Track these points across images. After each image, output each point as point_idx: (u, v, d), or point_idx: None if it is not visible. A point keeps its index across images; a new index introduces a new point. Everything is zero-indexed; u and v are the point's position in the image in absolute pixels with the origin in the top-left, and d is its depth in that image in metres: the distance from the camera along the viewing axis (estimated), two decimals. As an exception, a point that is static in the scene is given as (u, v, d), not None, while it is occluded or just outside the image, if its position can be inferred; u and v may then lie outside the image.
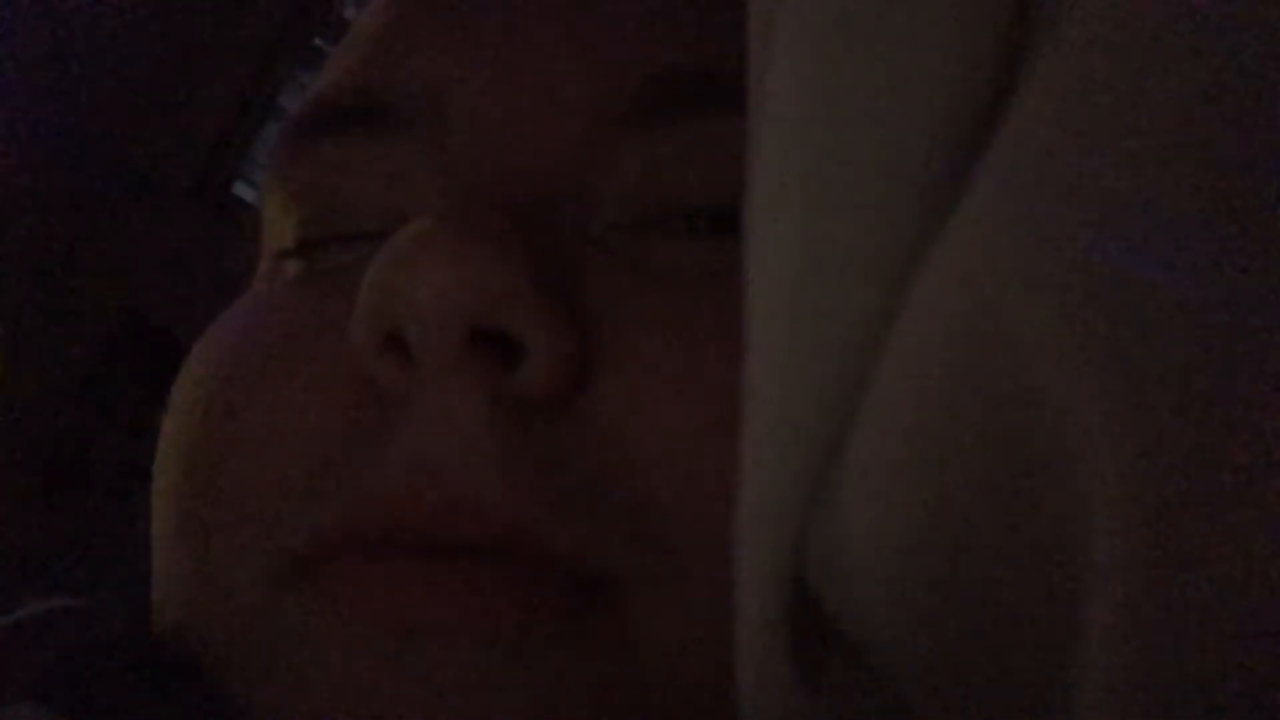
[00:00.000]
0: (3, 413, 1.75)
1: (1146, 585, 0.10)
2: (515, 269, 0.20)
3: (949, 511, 0.12)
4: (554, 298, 0.21)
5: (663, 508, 0.21)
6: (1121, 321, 0.11)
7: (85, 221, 1.80)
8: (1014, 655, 0.13)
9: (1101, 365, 0.11)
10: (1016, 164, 0.12)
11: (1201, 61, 0.11)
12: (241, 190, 1.82)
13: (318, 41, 1.79)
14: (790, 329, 0.14)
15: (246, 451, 0.23)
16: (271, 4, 1.81)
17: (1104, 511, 0.11)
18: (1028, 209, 0.12)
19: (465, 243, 0.20)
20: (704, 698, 0.20)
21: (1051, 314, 0.11)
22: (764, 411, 0.15)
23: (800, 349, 0.14)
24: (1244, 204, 0.10)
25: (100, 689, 0.22)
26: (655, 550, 0.20)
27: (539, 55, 0.24)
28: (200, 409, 0.24)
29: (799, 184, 0.14)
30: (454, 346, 0.20)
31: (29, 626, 0.23)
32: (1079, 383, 0.11)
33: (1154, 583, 0.10)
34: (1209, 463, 0.10)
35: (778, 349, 0.14)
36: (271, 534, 0.22)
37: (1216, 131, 0.11)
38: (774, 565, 0.14)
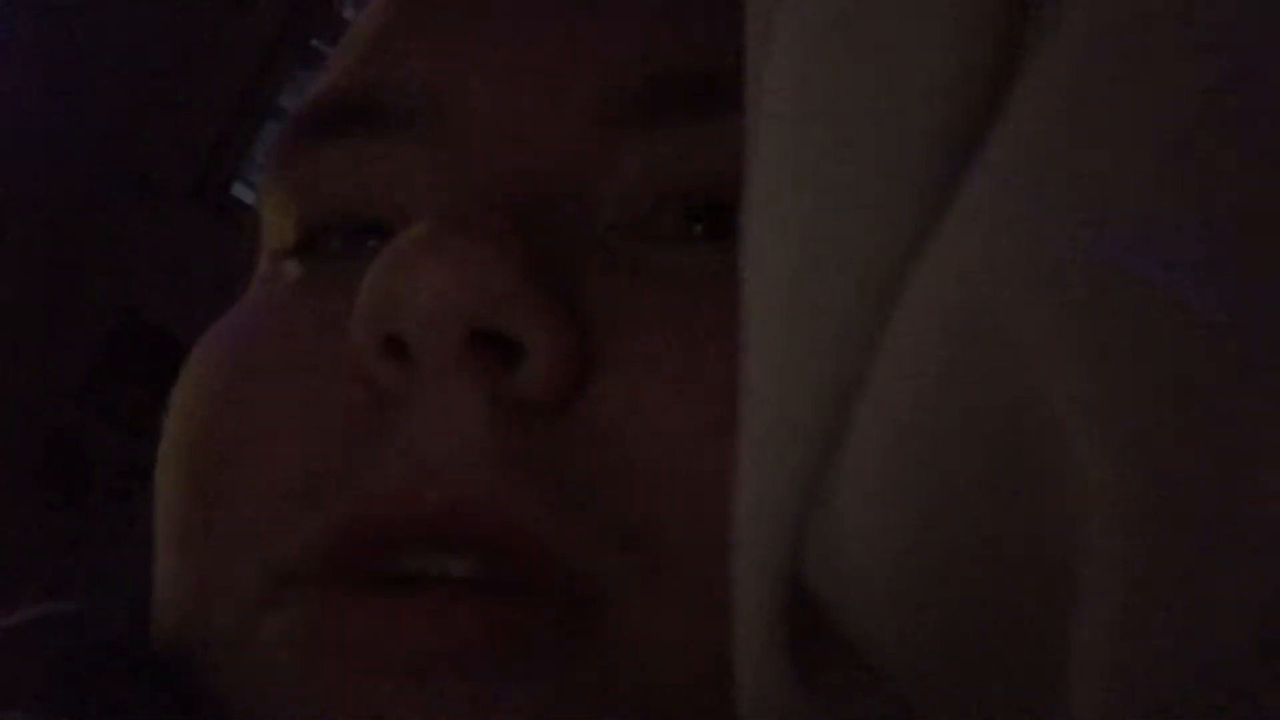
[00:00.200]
0: (3, 413, 1.75)
1: (1143, 588, 0.10)
2: (515, 270, 0.20)
3: (944, 510, 0.12)
4: (554, 299, 0.21)
5: (660, 511, 0.21)
6: (1119, 322, 0.11)
7: (85, 221, 1.80)
8: (1011, 654, 0.13)
9: (1098, 366, 0.11)
10: (1014, 163, 0.12)
11: (1201, 61, 0.11)
12: (240, 191, 1.82)
13: (317, 42, 1.79)
14: (787, 328, 0.14)
15: (247, 456, 0.23)
16: (271, 4, 1.81)
17: (1100, 513, 0.11)
18: (1025, 208, 0.12)
19: (465, 244, 0.20)
20: (701, 705, 0.20)
21: (1049, 314, 0.11)
22: (761, 410, 0.15)
23: (797, 347, 0.14)
24: (1244, 205, 0.10)
25: (98, 694, 0.22)
26: (651, 554, 0.20)
27: (539, 56, 0.24)
28: (201, 413, 0.24)
29: (797, 183, 0.14)
30: (454, 347, 0.20)
31: (27, 629, 0.23)
32: (1076, 383, 0.11)
33: (1150, 585, 0.10)
34: (1207, 465, 0.10)
35: (775, 348, 0.14)
36: (269, 540, 0.22)
37: (1216, 131, 0.11)
38: (772, 564, 0.14)
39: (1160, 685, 0.10)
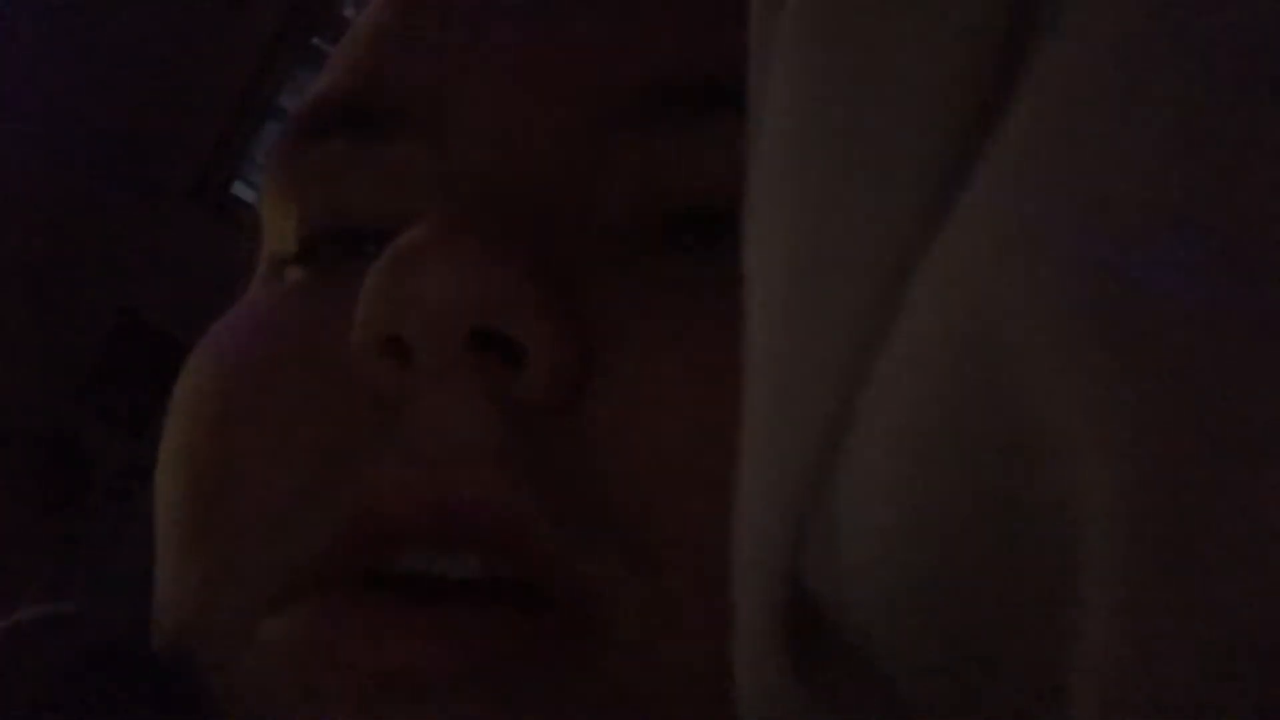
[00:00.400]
0: (3, 413, 1.75)
1: (1144, 590, 0.10)
2: (515, 272, 0.20)
3: (945, 511, 0.12)
4: (554, 300, 0.21)
5: (660, 512, 0.21)
6: (1120, 324, 0.11)
7: (85, 221, 1.80)
8: (1011, 655, 0.13)
9: (1098, 370, 0.11)
10: (1015, 165, 0.12)
11: (1202, 61, 0.11)
12: (240, 190, 1.82)
13: (317, 41, 1.79)
14: (788, 330, 0.14)
15: (248, 457, 0.23)
16: (271, 4, 1.81)
17: (1101, 514, 0.11)
18: (1026, 210, 0.12)
19: (465, 246, 0.20)
20: (701, 706, 0.20)
21: (1050, 317, 0.11)
22: (762, 410, 0.15)
23: (798, 349, 0.14)
24: (1246, 207, 0.10)
25: (96, 695, 0.22)
26: (651, 554, 0.20)
27: (539, 57, 0.24)
28: (202, 414, 0.24)
29: (798, 185, 0.14)
30: (455, 349, 0.21)
31: (26, 630, 0.23)
32: (1075, 387, 0.11)
33: (1151, 587, 0.10)
34: (1208, 467, 0.10)
35: (776, 350, 0.14)
36: (270, 542, 0.22)
37: (1219, 132, 0.11)
38: (773, 565, 0.14)
39: (1160, 686, 0.10)
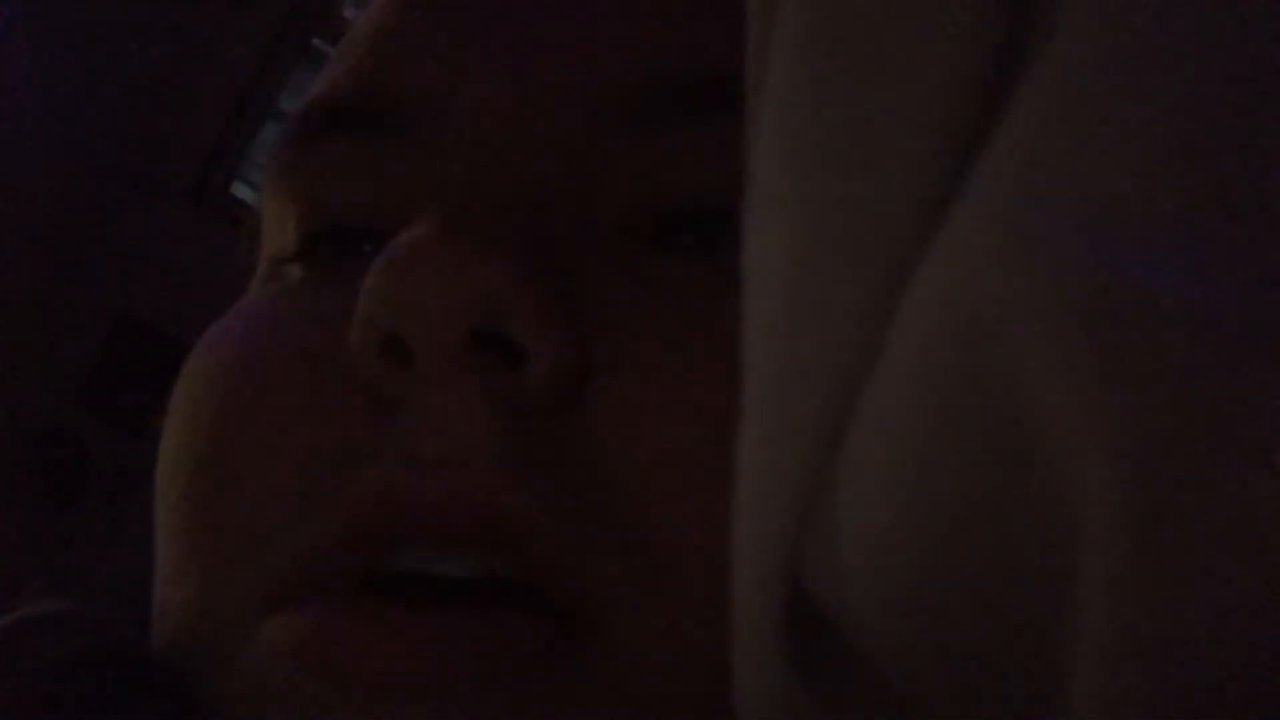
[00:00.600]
0: (2, 413, 1.75)
1: (1139, 591, 0.10)
2: (514, 273, 0.20)
3: (944, 511, 0.13)
4: (554, 301, 0.21)
5: (659, 512, 0.21)
6: (1121, 325, 0.11)
7: (85, 221, 1.80)
8: (1011, 654, 0.13)
9: (1100, 368, 0.11)
10: (1014, 166, 0.12)
11: (1200, 62, 0.11)
12: (240, 191, 1.82)
13: (317, 41, 1.79)
14: (788, 329, 0.14)
15: (248, 459, 0.23)
16: (271, 4, 1.81)
17: (1098, 516, 0.11)
18: (1025, 211, 0.12)
19: (465, 246, 0.20)
20: (700, 707, 0.20)
21: (1048, 317, 0.11)
22: (761, 411, 0.15)
23: (798, 350, 0.14)
24: (1249, 208, 0.10)
25: (92, 695, 0.22)
26: (650, 555, 0.20)
27: (538, 58, 0.24)
28: (201, 415, 0.24)
29: (798, 185, 0.14)
30: (454, 349, 0.21)
31: (24, 630, 0.23)
32: (1074, 387, 0.11)
33: (1151, 587, 0.10)
34: (1204, 468, 0.10)
35: (775, 349, 0.14)
36: (269, 543, 0.22)
37: (1220, 133, 0.11)
38: (772, 565, 0.14)
39: (1159, 684, 0.10)
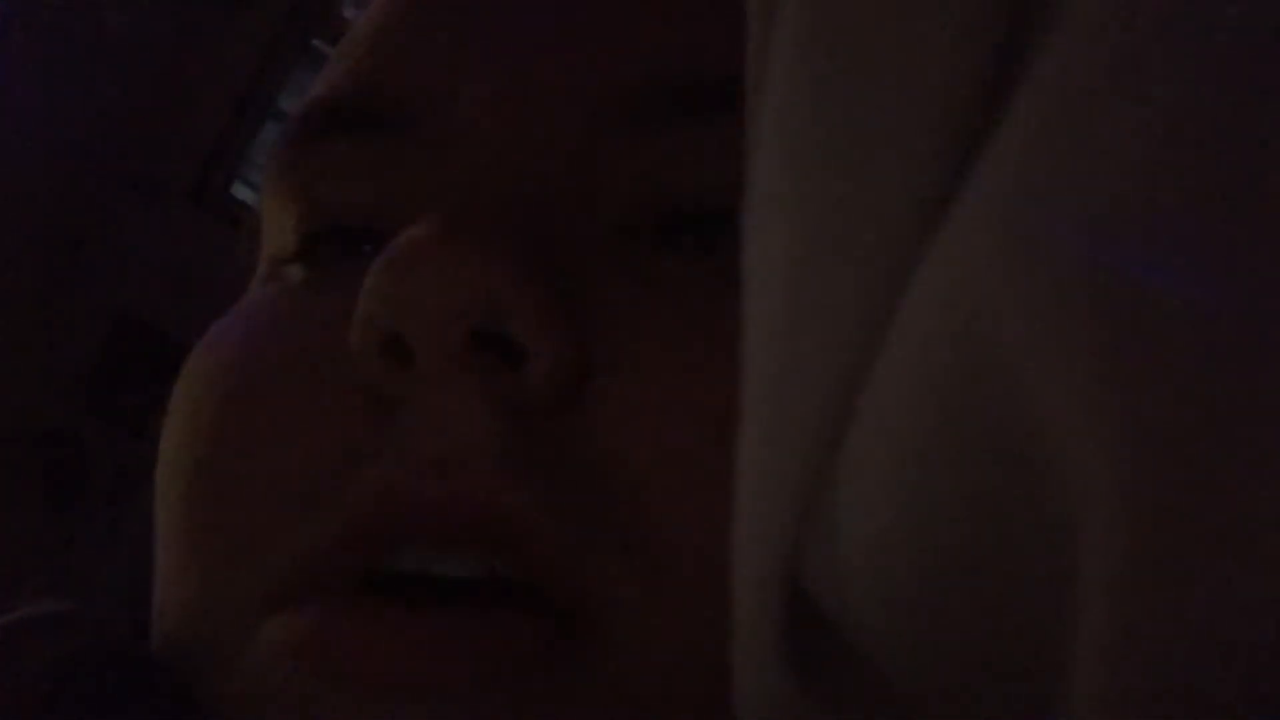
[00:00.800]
0: (3, 413, 1.75)
1: (1139, 590, 0.10)
2: (514, 273, 0.20)
3: (945, 511, 0.13)
4: (554, 300, 0.21)
5: (659, 512, 0.21)
6: (1122, 325, 0.11)
7: (85, 221, 1.80)
8: (1009, 655, 0.13)
9: (1096, 369, 0.11)
10: (1014, 166, 0.12)
11: (1200, 61, 0.11)
12: (240, 191, 1.82)
13: (317, 41, 1.79)
14: (788, 329, 0.14)
15: (248, 459, 0.23)
16: (271, 4, 1.80)
17: (1097, 515, 0.11)
18: (1025, 211, 0.12)
19: (465, 246, 0.20)
20: (700, 708, 0.20)
21: (1047, 317, 0.11)
22: (761, 410, 0.15)
23: (798, 350, 0.14)
24: (1250, 208, 0.10)
25: (92, 694, 0.22)
26: (650, 555, 0.20)
27: (538, 58, 0.24)
28: (201, 415, 0.24)
29: (797, 185, 0.14)
30: (454, 349, 0.21)
31: (24, 629, 0.23)
32: (1073, 386, 0.11)
33: (1151, 586, 0.10)
34: (1204, 467, 0.10)
35: (775, 349, 0.14)
36: (269, 543, 0.22)
37: (1222, 133, 0.11)
38: (772, 565, 0.14)
39: (1159, 683, 0.10)
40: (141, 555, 0.26)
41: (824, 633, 0.15)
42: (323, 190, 0.25)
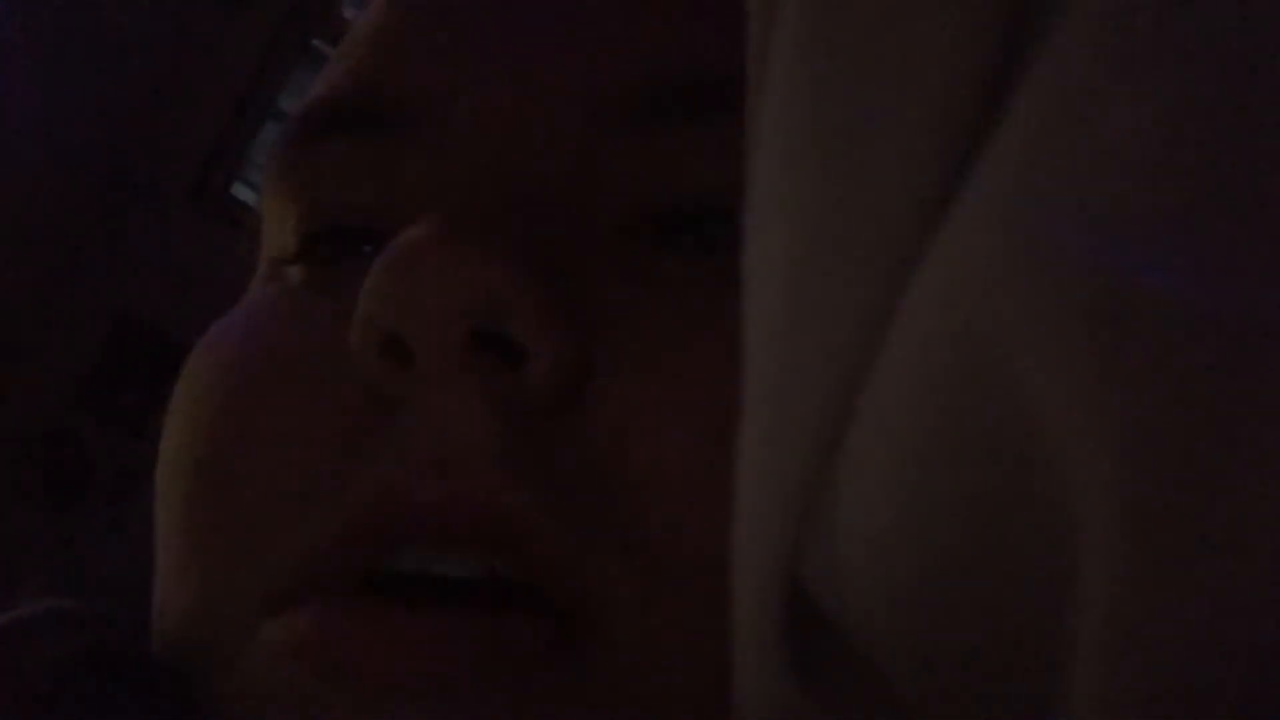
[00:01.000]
0: (3, 413, 1.75)
1: (1139, 590, 0.10)
2: (514, 273, 0.20)
3: (945, 511, 0.13)
4: (555, 300, 0.21)
5: (659, 512, 0.21)
6: (1122, 326, 0.11)
7: (85, 222, 1.80)
8: (1009, 656, 0.13)
9: (1096, 369, 0.11)
10: (1014, 166, 0.12)
11: (1200, 62, 0.11)
12: (240, 191, 1.82)
13: (317, 41, 1.79)
14: (788, 329, 0.14)
15: (248, 459, 0.23)
16: (271, 4, 1.81)
17: (1097, 515, 0.11)
18: (1025, 211, 0.12)
19: (465, 246, 0.20)
20: (700, 709, 0.20)
21: (1047, 318, 0.11)
22: (761, 410, 0.15)
23: (799, 350, 0.14)
24: (1251, 209, 0.10)
25: (92, 693, 0.22)
26: (649, 555, 0.20)
27: (538, 58, 0.24)
28: (202, 415, 0.24)
29: (798, 185, 0.14)
30: (454, 349, 0.21)
31: (24, 628, 0.23)
32: (1073, 386, 0.11)
33: (1146, 588, 0.10)
34: (1203, 467, 0.10)
35: (775, 349, 0.14)
36: (270, 544, 0.22)
37: (1222, 133, 0.11)
38: (772, 565, 0.14)
39: (1158, 683, 0.10)
40: (141, 555, 0.26)
41: (824, 633, 0.15)
42: (323, 190, 0.25)
